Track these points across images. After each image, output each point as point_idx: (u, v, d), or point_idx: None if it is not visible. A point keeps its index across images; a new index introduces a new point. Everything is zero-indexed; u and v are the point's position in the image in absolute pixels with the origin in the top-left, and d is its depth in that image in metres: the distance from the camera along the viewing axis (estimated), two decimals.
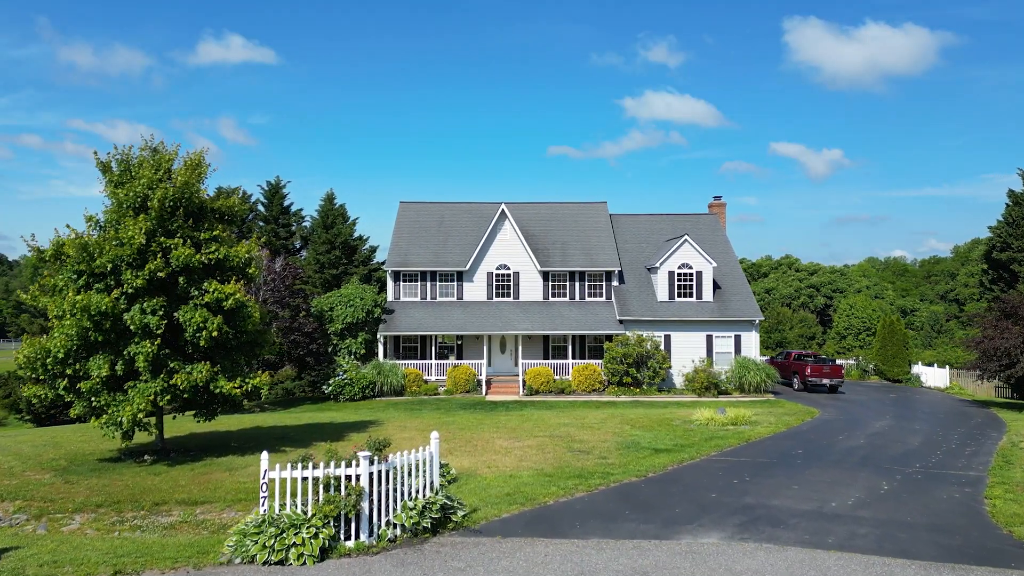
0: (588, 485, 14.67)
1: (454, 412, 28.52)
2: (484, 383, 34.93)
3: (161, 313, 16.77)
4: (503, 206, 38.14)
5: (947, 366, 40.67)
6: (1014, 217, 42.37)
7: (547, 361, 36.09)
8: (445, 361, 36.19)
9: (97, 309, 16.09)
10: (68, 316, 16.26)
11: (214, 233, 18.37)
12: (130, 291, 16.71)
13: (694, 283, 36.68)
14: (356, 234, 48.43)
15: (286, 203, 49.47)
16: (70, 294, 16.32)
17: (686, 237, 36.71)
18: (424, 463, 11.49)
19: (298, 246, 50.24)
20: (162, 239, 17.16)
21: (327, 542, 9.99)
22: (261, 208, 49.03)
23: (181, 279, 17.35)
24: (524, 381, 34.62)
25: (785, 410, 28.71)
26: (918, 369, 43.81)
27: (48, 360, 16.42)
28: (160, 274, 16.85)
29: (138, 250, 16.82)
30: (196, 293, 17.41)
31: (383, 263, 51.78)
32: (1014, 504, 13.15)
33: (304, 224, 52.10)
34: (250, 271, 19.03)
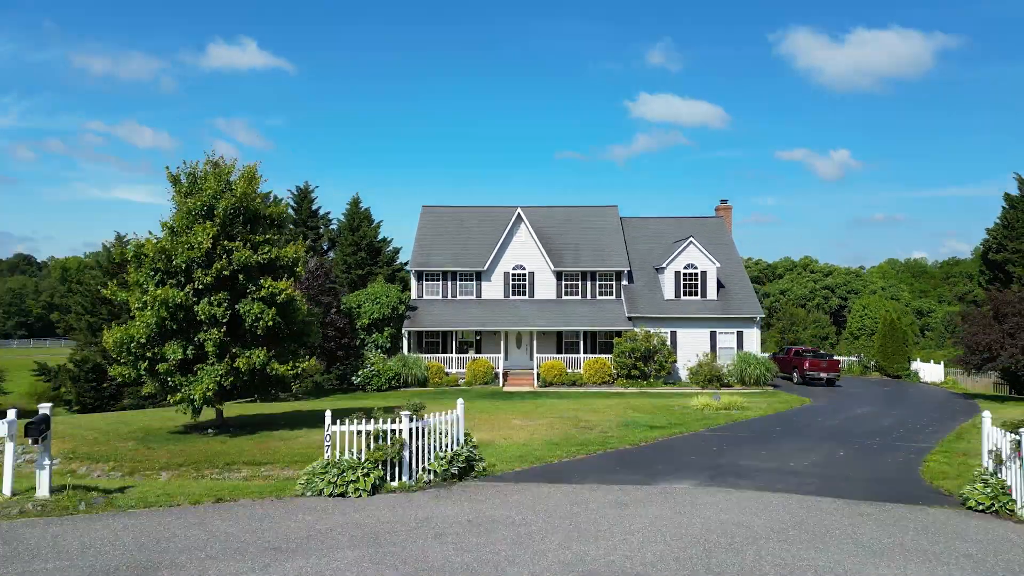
0: (588, 451, 17.31)
1: (474, 400, 31.22)
2: (501, 375, 37.61)
3: (225, 306, 19.59)
4: (519, 210, 40.82)
5: (942, 362, 42.70)
6: (1009, 220, 44.37)
7: (560, 356, 38.70)
8: (465, 355, 38.91)
9: (174, 302, 18.94)
10: (149, 308, 19.11)
11: (267, 236, 21.21)
12: (200, 287, 19.54)
13: (699, 282, 39.10)
14: (380, 236, 51.34)
15: (314, 207, 52.49)
16: (151, 288, 19.18)
17: (691, 239, 39.16)
18: (452, 424, 14.19)
19: (326, 247, 53.19)
20: (225, 242, 19.99)
21: (377, 481, 12.70)
22: (291, 211, 52.08)
23: (241, 276, 20.17)
24: (538, 374, 37.26)
25: (778, 399, 31.12)
26: (916, 365, 45.86)
27: (132, 344, 19.27)
28: (224, 273, 19.69)
29: (206, 252, 19.65)
30: (253, 288, 20.22)
31: (406, 263, 54.66)
32: (946, 465, 15.60)
33: (332, 227, 55.04)
34: (297, 270, 21.85)
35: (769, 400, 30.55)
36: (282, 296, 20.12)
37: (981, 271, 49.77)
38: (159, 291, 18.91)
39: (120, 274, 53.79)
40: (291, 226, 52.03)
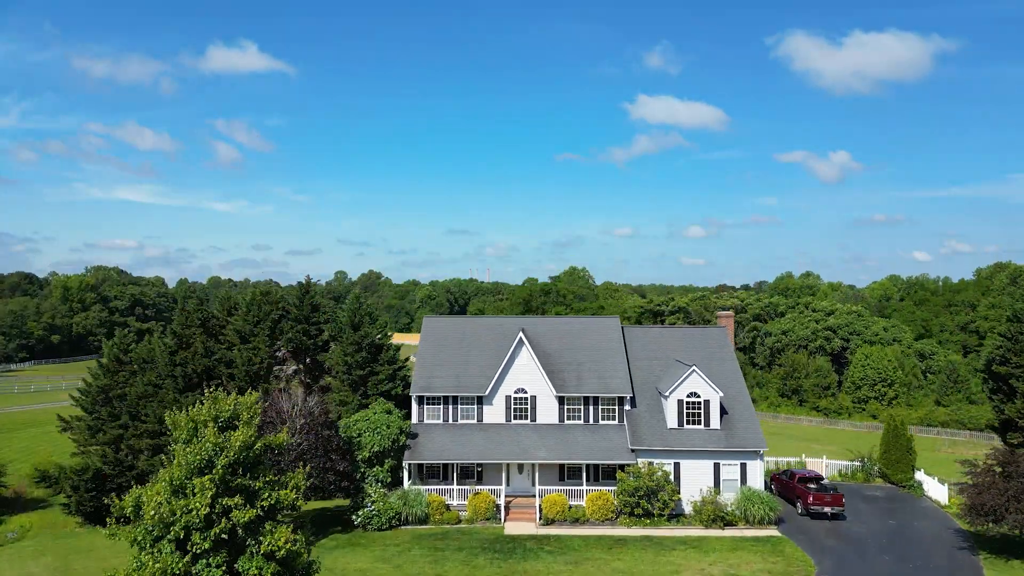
0: None
1: (474, 559, 31.01)
2: (503, 508, 37.35)
3: (224, 567, 19.33)
4: (521, 334, 40.51)
5: (946, 484, 42.38)
6: (1013, 332, 44.08)
7: (563, 487, 38.43)
8: (467, 487, 38.63)
9: (172, 571, 18.68)
10: (147, 571, 18.84)
11: (267, 479, 20.92)
12: (197, 552, 19.27)
13: (702, 411, 38.78)
14: (381, 335, 51.06)
15: (315, 302, 52.25)
16: (148, 561, 18.79)
17: (694, 368, 38.80)
18: None
19: (326, 340, 52.93)
20: (224, 500, 19.69)
21: None
22: (293, 307, 51.86)
23: (240, 531, 19.89)
24: (540, 508, 37.00)
25: (782, 560, 30.82)
26: (921, 476, 45.53)
27: None
28: (223, 536, 19.41)
29: (204, 516, 19.36)
30: (253, 543, 19.94)
31: (407, 360, 54.36)
32: None
33: (336, 291, 54.73)
34: (298, 504, 21.60)
35: (771, 563, 30.28)
36: (283, 552, 19.84)
37: (984, 379, 49.41)
38: (157, 566, 18.63)
39: (120, 371, 53.59)
40: (291, 322, 51.79)
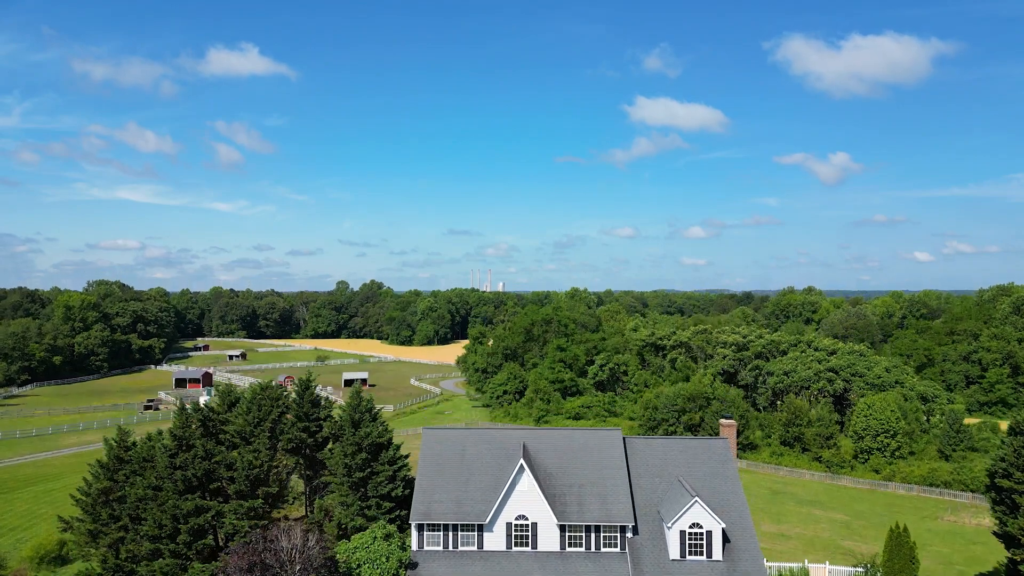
0: None
1: None
2: None
3: None
4: (521, 460, 40.24)
5: None
6: (1016, 447, 43.76)
7: None
8: None
9: None
10: None
11: None
12: None
13: (704, 542, 38.50)
14: (382, 434, 50.82)
15: (315, 399, 52.08)
16: None
17: (696, 500, 38.48)
18: None
19: (326, 436, 52.74)
20: None
21: None
22: (294, 403, 51.65)
23: None
24: None
25: None
26: None
27: None
28: None
29: None
30: None
31: (407, 457, 54.04)
32: None
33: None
34: None
35: None
36: None
37: (987, 487, 49.08)
38: None
39: (120, 470, 53.41)
40: (292, 419, 51.59)
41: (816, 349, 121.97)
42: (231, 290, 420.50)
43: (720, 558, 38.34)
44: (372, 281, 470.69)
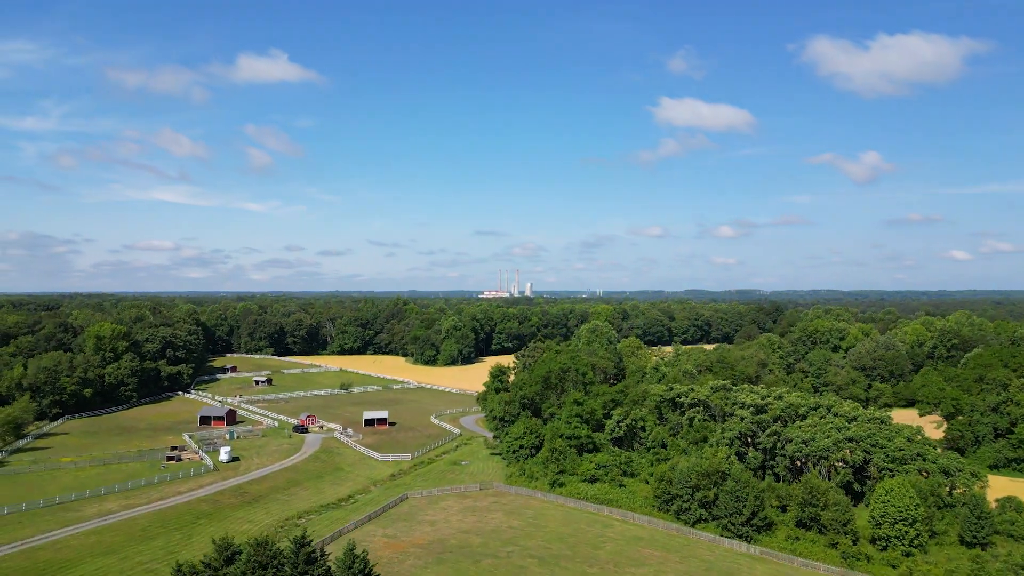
0: None
1: None
2: None
3: None
4: None
5: None
6: None
7: None
8: None
9: None
10: None
11: None
12: None
13: None
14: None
15: (312, 553, 52.44)
16: None
17: None
18: None
19: None
20: None
21: None
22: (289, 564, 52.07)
23: None
24: None
25: None
26: None
27: None
28: None
29: None
30: None
31: None
32: None
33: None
34: None
35: None
36: None
37: None
38: None
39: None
40: (288, 570, 51.93)
41: (835, 415, 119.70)
42: (259, 307, 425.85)
43: None
44: (398, 298, 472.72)
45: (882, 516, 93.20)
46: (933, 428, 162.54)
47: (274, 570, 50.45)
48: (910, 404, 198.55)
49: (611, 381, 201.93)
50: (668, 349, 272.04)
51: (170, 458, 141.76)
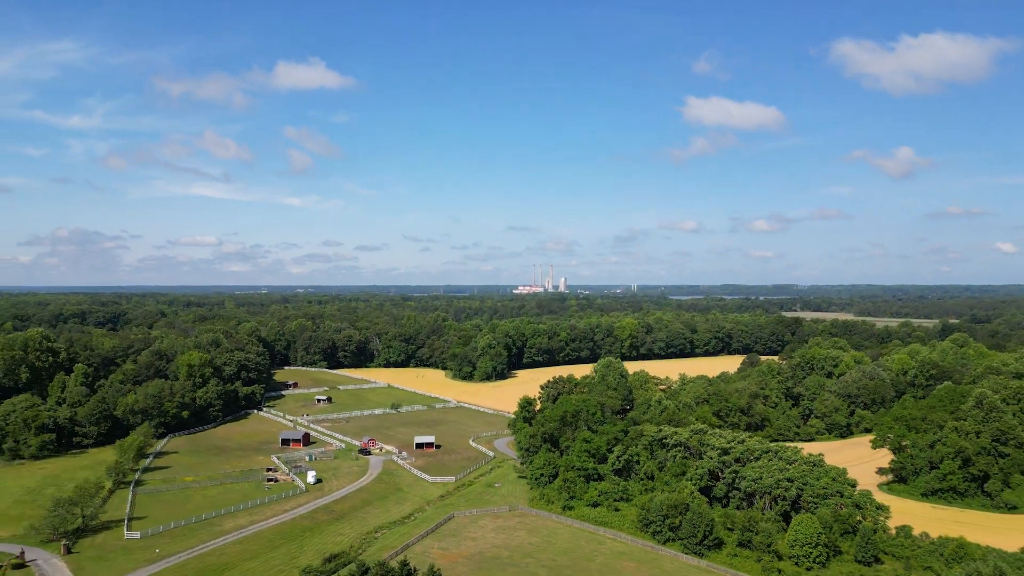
0: None
1: None
2: None
3: None
4: None
5: None
6: None
7: None
8: None
9: None
10: None
11: None
12: None
13: None
14: None
15: None
16: None
17: None
18: None
19: None
20: None
21: None
22: None
23: None
24: None
25: None
26: None
27: None
28: None
29: None
30: None
31: None
32: None
33: None
34: None
35: None
36: None
37: None
38: None
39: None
40: None
41: (780, 458, 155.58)
42: (313, 323, 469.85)
43: None
44: (437, 314, 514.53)
45: (794, 540, 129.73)
46: (885, 457, 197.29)
47: None
48: (908, 427, 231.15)
49: (622, 412, 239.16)
50: (675, 377, 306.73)
51: (269, 480, 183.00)
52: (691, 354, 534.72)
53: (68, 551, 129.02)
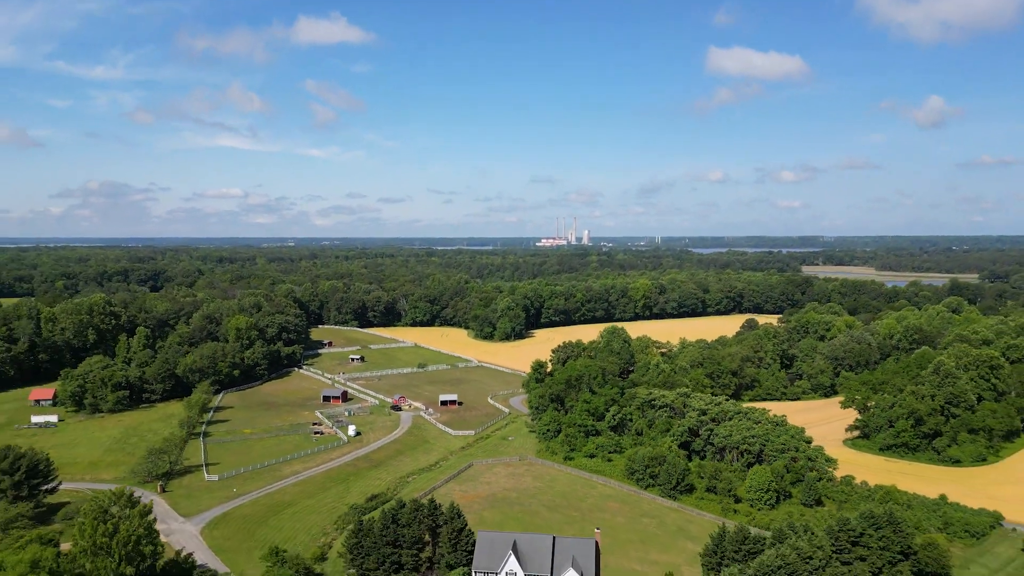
0: None
1: None
2: None
3: None
4: (511, 552, 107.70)
5: None
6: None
7: None
8: None
9: None
10: None
11: None
12: None
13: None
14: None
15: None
16: None
17: (571, 563, 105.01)
18: None
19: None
20: None
21: None
22: None
23: None
24: None
25: None
26: None
27: None
28: None
29: None
30: None
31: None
32: None
33: None
34: None
35: None
36: None
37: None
38: None
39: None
40: None
41: (748, 419, 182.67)
42: (344, 285, 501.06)
43: None
44: (461, 277, 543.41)
45: (751, 487, 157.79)
46: (852, 415, 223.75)
47: (418, 513, 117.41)
48: (880, 385, 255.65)
49: (625, 373, 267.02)
50: (686, 336, 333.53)
51: (316, 432, 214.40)
52: (703, 313, 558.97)
53: (163, 490, 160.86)
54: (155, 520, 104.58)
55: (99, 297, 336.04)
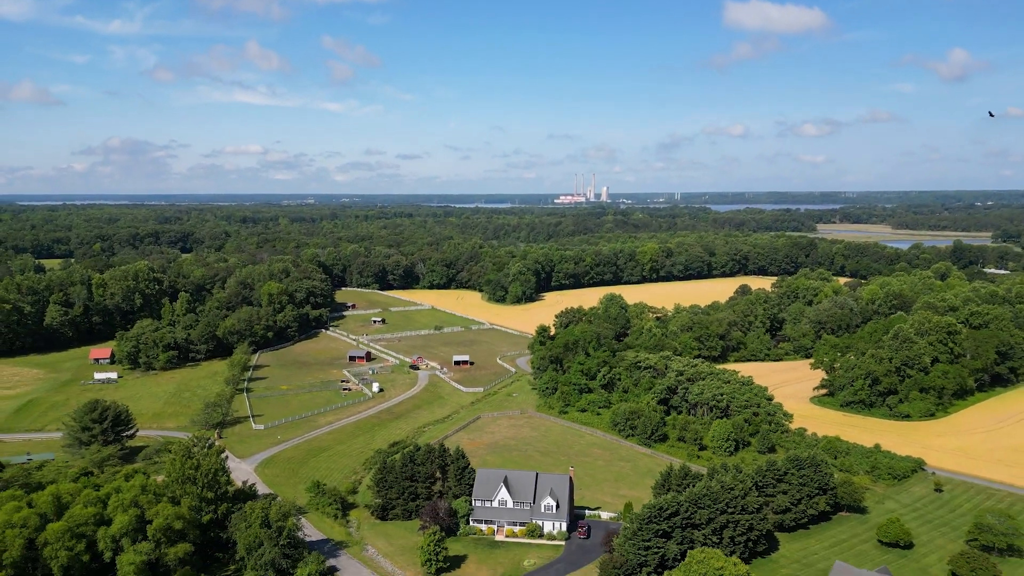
0: None
1: None
2: None
3: None
4: (502, 484, 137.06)
5: None
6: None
7: None
8: None
9: None
10: None
11: None
12: None
13: (554, 505, 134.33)
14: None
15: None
16: None
17: (549, 494, 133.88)
18: None
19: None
20: None
21: None
22: None
23: None
24: None
25: None
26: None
27: None
28: None
29: None
30: None
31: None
32: None
33: None
34: None
35: None
36: None
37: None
38: None
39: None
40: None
41: (719, 379, 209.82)
42: (365, 249, 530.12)
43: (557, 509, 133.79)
44: (475, 241, 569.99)
45: (714, 436, 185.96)
46: (822, 375, 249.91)
47: (431, 454, 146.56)
48: (847, 349, 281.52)
49: (620, 336, 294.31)
50: (690, 299, 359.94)
51: (344, 389, 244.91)
52: (708, 275, 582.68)
53: (220, 436, 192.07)
54: (227, 458, 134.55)
55: (143, 264, 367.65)
